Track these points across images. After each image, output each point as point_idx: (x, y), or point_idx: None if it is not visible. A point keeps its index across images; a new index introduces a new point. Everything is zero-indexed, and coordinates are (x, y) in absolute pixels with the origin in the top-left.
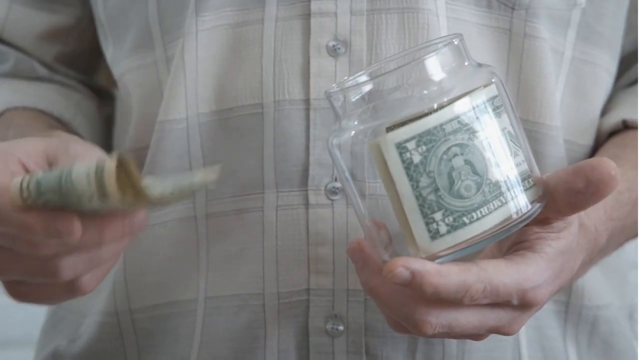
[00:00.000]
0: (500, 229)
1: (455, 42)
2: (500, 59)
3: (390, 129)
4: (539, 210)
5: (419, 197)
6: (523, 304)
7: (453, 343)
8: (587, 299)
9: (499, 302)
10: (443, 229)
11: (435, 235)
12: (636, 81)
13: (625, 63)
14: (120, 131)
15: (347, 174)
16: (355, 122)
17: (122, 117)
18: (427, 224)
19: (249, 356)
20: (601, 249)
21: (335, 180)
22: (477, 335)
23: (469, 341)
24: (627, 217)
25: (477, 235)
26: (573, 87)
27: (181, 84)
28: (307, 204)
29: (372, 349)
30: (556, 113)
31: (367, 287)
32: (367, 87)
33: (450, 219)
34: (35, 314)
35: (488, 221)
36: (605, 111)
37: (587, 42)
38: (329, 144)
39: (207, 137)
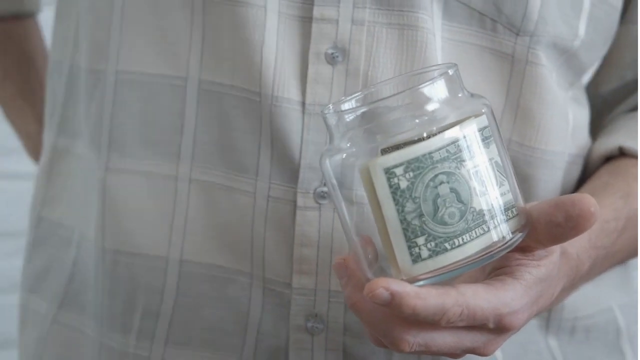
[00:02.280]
0: (481, 256)
1: (450, 73)
2: (500, 83)
3: (383, 151)
4: (520, 240)
5: (403, 221)
6: (499, 328)
7: None
8: (566, 312)
9: (475, 325)
10: (425, 253)
11: (417, 259)
12: (636, 108)
13: (625, 91)
14: (63, 38)
15: (338, 192)
16: (348, 144)
17: (66, 28)
18: (409, 247)
19: (227, 328)
20: (583, 275)
21: (325, 185)
22: (453, 354)
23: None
24: (612, 246)
25: (457, 261)
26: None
27: (185, 43)
28: (295, 205)
29: (350, 349)
30: (553, 139)
31: (349, 303)
32: (362, 110)
33: (433, 244)
34: None
35: (469, 248)
36: (601, 134)
37: (569, 69)
38: (321, 164)
39: (203, 105)
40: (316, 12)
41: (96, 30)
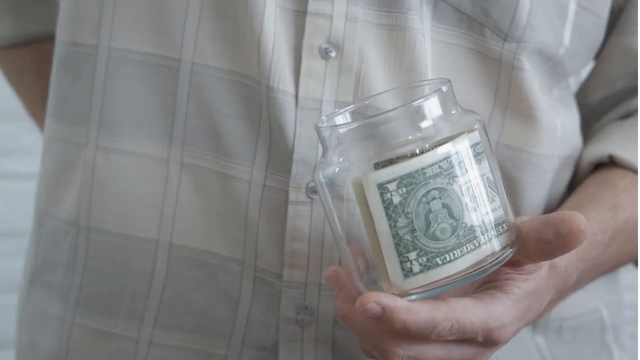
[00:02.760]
0: (472, 271)
1: (444, 89)
2: (488, 85)
3: (376, 165)
4: (511, 255)
5: (395, 236)
6: (488, 341)
7: None
8: (552, 313)
9: (465, 339)
10: (416, 268)
11: (408, 273)
12: (628, 115)
13: (616, 99)
14: (65, 16)
15: (331, 205)
16: (341, 159)
17: (66, 2)
18: (401, 262)
19: (216, 315)
20: (570, 287)
21: None
22: None
23: None
24: (599, 257)
25: (449, 277)
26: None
27: (180, 25)
28: (287, 199)
29: (340, 341)
30: (541, 142)
31: (340, 314)
32: (358, 129)
33: (424, 259)
34: None
35: (460, 263)
36: (591, 141)
37: (552, 76)
38: (315, 176)
39: (195, 88)
40: (311, 6)
41: (87, 3)
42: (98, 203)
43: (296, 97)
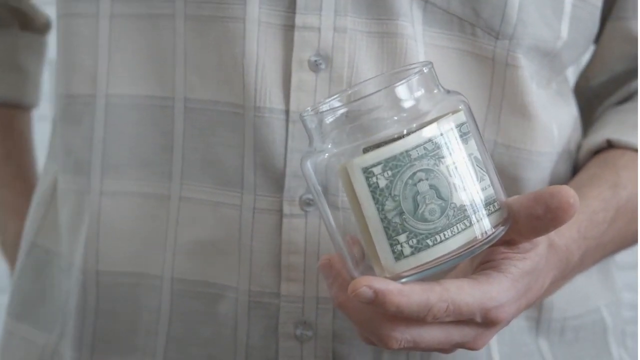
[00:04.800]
0: (464, 251)
1: (425, 70)
2: (482, 86)
3: (364, 150)
4: (502, 233)
5: (384, 219)
6: (487, 322)
7: (417, 354)
8: (555, 312)
9: (463, 320)
10: (407, 250)
11: (399, 256)
12: (629, 97)
13: (615, 83)
14: (63, 69)
15: (320, 194)
16: (329, 146)
17: (63, 56)
18: (391, 245)
19: (220, 344)
20: (574, 267)
21: (310, 192)
22: (443, 349)
23: (434, 354)
24: (602, 236)
25: (440, 257)
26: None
27: (170, 64)
28: (281, 213)
29: (339, 355)
30: (538, 139)
31: (336, 302)
32: (341, 111)
33: (414, 241)
34: None
35: (451, 243)
36: (590, 130)
37: (551, 69)
38: (302, 165)
39: (190, 122)
40: (298, 20)
41: (82, 55)
42: (105, 245)
43: (287, 112)
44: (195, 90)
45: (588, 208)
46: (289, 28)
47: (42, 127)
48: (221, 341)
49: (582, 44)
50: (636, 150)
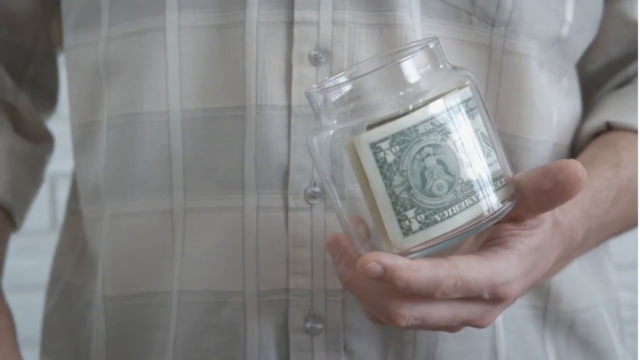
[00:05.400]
0: (471, 226)
1: (431, 46)
2: (479, 74)
3: (369, 127)
4: (510, 209)
5: (392, 195)
6: (494, 298)
7: (424, 343)
8: (564, 304)
9: (470, 297)
10: (415, 226)
11: (407, 232)
12: (626, 82)
13: (612, 68)
14: (70, 105)
15: (326, 172)
16: (335, 122)
17: (72, 89)
18: (399, 221)
19: (229, 352)
20: (578, 246)
21: (315, 185)
22: (450, 327)
23: (440, 343)
24: (605, 215)
25: (448, 232)
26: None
27: (162, 78)
28: (286, 207)
29: (350, 346)
30: (536, 127)
31: (343, 280)
32: (346, 88)
33: (422, 216)
34: (35, 314)
35: (459, 219)
36: (589, 115)
37: (563, 57)
38: (308, 142)
39: (189, 134)
40: (297, 15)
41: (89, 84)
42: (112, 270)
43: (289, 107)
44: (192, 101)
45: (591, 187)
46: (288, 24)
47: (61, 126)
48: (226, 350)
49: (590, 27)
50: (636, 132)
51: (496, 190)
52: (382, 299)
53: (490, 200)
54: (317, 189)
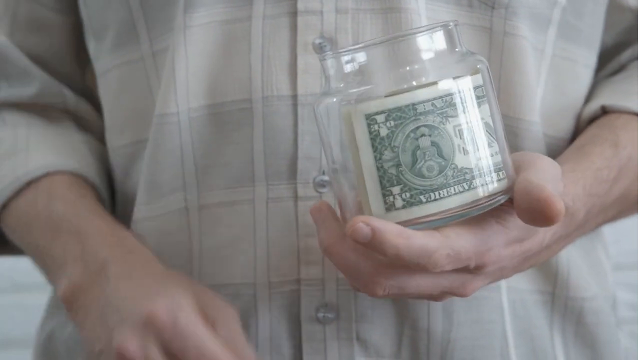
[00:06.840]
0: (455, 212)
1: (450, 27)
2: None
3: (368, 99)
4: (498, 204)
5: (380, 168)
6: (478, 267)
7: (438, 330)
8: (572, 291)
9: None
10: (399, 203)
11: (390, 207)
12: (620, 69)
13: (606, 56)
14: (112, 128)
15: (329, 136)
16: (342, 85)
17: (111, 115)
18: (384, 195)
19: None
20: (578, 225)
21: (323, 173)
22: (432, 296)
23: (454, 329)
24: (606, 195)
25: (431, 214)
26: (553, 84)
27: (171, 79)
28: (296, 197)
29: (362, 335)
30: (535, 109)
31: (322, 246)
32: (359, 58)
33: (407, 195)
34: (35, 314)
35: (445, 203)
36: (585, 101)
37: (567, 39)
38: (315, 108)
39: (197, 131)
40: (300, 5)
41: (141, 101)
42: None
43: (295, 97)
44: (200, 98)
45: (592, 164)
46: (292, 15)
47: None
48: None
49: (592, 7)
50: (631, 113)
51: (490, 183)
52: (360, 267)
53: (482, 191)
54: (325, 178)
